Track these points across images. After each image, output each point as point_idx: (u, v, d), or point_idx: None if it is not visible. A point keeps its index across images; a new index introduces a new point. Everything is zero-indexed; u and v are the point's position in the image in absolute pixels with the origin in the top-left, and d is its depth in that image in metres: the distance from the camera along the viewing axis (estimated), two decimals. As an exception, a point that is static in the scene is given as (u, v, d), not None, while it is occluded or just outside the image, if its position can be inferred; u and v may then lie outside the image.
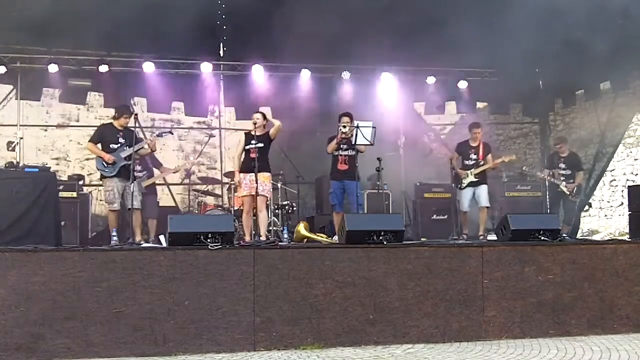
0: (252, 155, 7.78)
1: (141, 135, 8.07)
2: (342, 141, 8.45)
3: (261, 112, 8.23)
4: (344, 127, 8.31)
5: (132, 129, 8.00)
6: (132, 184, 7.72)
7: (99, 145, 7.98)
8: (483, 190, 9.08)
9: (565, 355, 5.48)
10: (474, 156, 9.15)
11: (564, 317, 6.29)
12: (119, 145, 7.94)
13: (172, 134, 9.53)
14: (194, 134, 13.90)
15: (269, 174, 8.01)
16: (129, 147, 7.87)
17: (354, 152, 8.43)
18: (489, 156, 9.16)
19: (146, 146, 8.15)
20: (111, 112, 8.44)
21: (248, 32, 10.11)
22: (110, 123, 8.21)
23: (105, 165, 7.84)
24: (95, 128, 8.60)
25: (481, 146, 9.21)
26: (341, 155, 8.49)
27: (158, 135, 8.93)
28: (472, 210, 9.23)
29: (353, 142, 8.22)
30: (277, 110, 12.70)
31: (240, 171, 8.02)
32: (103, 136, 8.01)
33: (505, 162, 9.59)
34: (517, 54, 9.51)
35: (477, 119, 13.88)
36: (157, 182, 9.97)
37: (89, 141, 8.09)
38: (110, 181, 7.86)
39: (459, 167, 9.25)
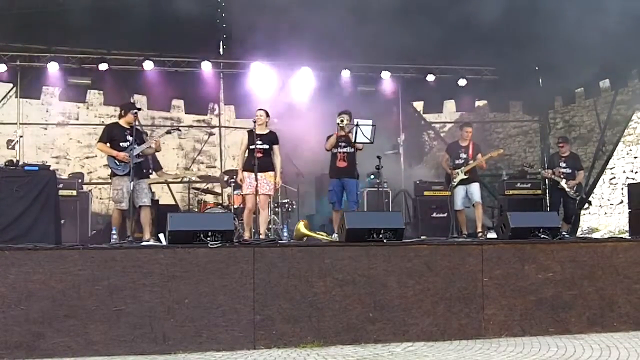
0: (257, 154, 7.76)
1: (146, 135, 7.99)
2: (341, 138, 8.44)
3: (264, 110, 8.23)
4: (342, 121, 8.31)
5: (136, 126, 7.96)
6: (143, 181, 7.70)
7: (109, 145, 7.94)
8: (475, 187, 9.09)
9: (565, 353, 5.47)
10: (463, 155, 9.17)
11: (564, 315, 6.28)
12: (128, 143, 7.89)
13: (180, 130, 9.46)
14: (193, 132, 13.91)
15: (272, 172, 8.01)
16: (137, 145, 7.83)
17: (352, 150, 8.42)
18: (479, 155, 9.17)
19: (153, 145, 8.12)
20: (111, 110, 8.40)
21: (248, 30, 10.10)
22: (117, 122, 8.15)
23: (118, 163, 7.79)
24: (102, 128, 8.46)
25: (471, 146, 9.23)
26: (340, 152, 8.45)
27: (167, 133, 8.89)
28: (468, 209, 9.23)
29: (353, 140, 8.22)
30: (277, 108, 12.71)
31: (244, 169, 8.01)
32: (112, 135, 7.89)
33: (494, 157, 9.59)
34: (517, 52, 9.51)
35: (477, 117, 13.94)
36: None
37: (99, 141, 7.98)
38: (120, 180, 7.77)
39: (449, 167, 9.27)
